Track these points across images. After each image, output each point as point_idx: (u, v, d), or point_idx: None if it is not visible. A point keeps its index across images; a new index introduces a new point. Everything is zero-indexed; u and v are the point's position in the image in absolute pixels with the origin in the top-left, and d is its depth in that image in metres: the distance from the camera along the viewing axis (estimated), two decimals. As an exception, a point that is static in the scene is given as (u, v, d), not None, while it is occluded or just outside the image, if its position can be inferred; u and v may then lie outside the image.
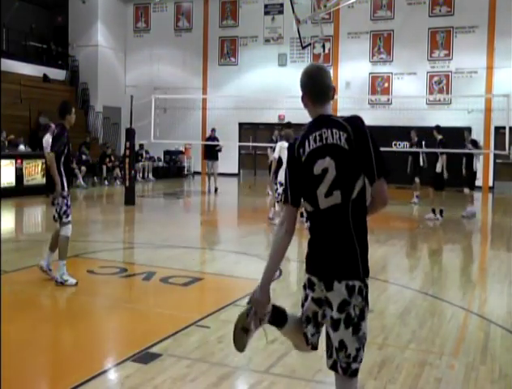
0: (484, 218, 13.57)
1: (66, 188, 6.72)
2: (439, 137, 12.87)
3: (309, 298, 2.87)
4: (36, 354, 4.61)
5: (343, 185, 2.72)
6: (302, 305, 2.96)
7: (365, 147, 2.72)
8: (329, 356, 2.83)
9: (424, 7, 22.41)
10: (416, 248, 10.45)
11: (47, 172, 16.08)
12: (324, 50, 23.17)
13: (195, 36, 25.93)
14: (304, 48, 19.72)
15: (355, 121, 2.78)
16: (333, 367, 2.82)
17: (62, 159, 6.75)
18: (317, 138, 2.77)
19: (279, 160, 9.95)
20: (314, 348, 2.96)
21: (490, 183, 21.02)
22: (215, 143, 18.75)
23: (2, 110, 17.73)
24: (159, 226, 11.53)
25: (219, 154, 18.79)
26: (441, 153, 12.77)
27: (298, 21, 16.79)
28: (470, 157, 13.46)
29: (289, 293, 6.84)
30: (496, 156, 19.78)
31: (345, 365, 2.76)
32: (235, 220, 13.92)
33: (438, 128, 13.16)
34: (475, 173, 13.49)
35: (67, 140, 6.81)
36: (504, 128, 16.26)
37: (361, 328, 2.78)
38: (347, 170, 2.71)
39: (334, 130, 2.74)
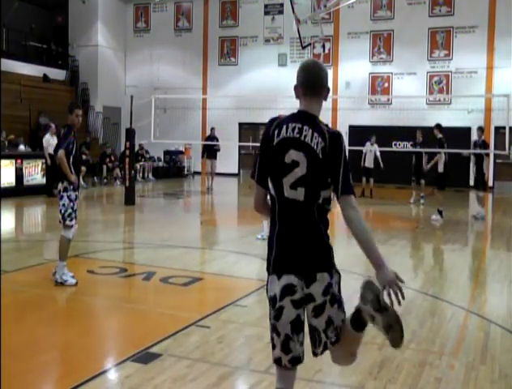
0: (485, 218, 13.55)
1: (75, 188, 6.72)
2: (439, 135, 12.82)
3: (287, 305, 2.80)
4: (36, 354, 4.60)
5: (308, 186, 2.75)
6: (275, 329, 2.89)
7: (337, 163, 2.76)
8: (318, 344, 2.88)
9: (424, 7, 22.41)
10: (416, 248, 10.45)
11: (47, 171, 16.14)
12: (324, 50, 23.16)
13: (195, 36, 25.93)
14: (304, 48, 19.71)
15: (336, 137, 2.83)
16: (323, 349, 2.90)
17: (71, 159, 6.69)
18: (297, 129, 2.80)
19: None
20: (303, 358, 2.95)
21: (490, 183, 21.01)
22: (214, 142, 19.22)
23: (2, 110, 17.73)
24: (159, 226, 11.53)
25: (218, 153, 19.30)
26: (441, 153, 12.73)
27: (298, 21, 16.79)
28: (480, 158, 13.29)
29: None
30: (496, 156, 19.77)
31: (334, 338, 2.85)
32: (235, 220, 13.92)
33: (439, 127, 13.07)
34: (484, 174, 13.36)
35: (74, 140, 6.76)
36: (504, 128, 16.24)
37: (342, 300, 2.91)
38: (315, 175, 2.75)
39: (315, 134, 2.79)
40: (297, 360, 2.95)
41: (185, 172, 25.04)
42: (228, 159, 24.09)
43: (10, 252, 8.36)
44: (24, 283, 6.87)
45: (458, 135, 20.23)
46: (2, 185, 14.46)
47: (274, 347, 2.97)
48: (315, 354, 2.96)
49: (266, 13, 24.73)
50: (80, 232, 10.84)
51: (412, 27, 22.28)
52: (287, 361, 2.94)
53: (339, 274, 2.93)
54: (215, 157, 19.10)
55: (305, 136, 2.78)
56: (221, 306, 5.90)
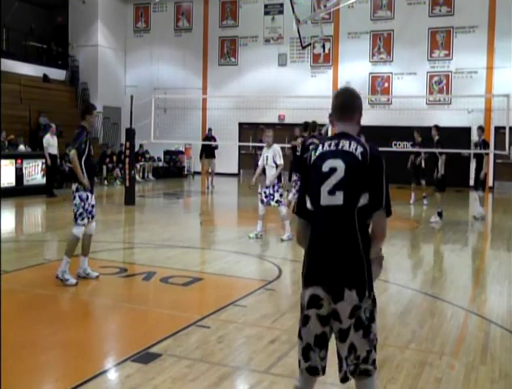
0: (485, 218, 13.54)
1: (86, 189, 6.91)
2: (436, 137, 12.80)
3: (313, 318, 2.83)
4: (36, 354, 4.61)
5: (347, 189, 2.78)
6: (300, 334, 2.92)
7: (379, 175, 2.82)
8: (339, 369, 2.85)
9: (424, 7, 22.41)
10: (416, 248, 10.45)
11: (47, 171, 16.13)
12: (324, 50, 23.18)
13: (195, 36, 25.93)
14: (304, 48, 19.72)
15: (376, 151, 2.89)
16: (343, 379, 2.86)
17: (83, 158, 6.83)
18: (333, 144, 2.91)
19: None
20: (323, 372, 2.95)
21: (490, 183, 21.02)
22: (212, 142, 19.97)
23: (2, 110, 17.73)
24: (159, 226, 11.53)
25: (216, 152, 20.08)
26: (440, 153, 12.70)
27: (298, 21, 16.78)
28: (480, 159, 13.27)
29: (289, 293, 6.85)
30: (496, 156, 19.77)
31: (353, 367, 2.78)
32: (235, 220, 13.92)
33: (437, 127, 13.07)
34: (485, 173, 13.33)
35: (88, 140, 6.86)
36: (504, 128, 16.24)
37: (372, 330, 2.81)
38: (355, 177, 2.79)
39: (352, 142, 2.87)
40: (314, 370, 2.94)
41: (185, 172, 25.04)
42: (228, 159, 24.10)
43: (10, 252, 8.36)
44: (24, 283, 6.87)
45: (458, 135, 20.25)
46: (2, 185, 14.46)
47: (298, 349, 2.97)
48: (340, 380, 2.91)
49: (266, 13, 24.72)
50: (80, 232, 10.87)
51: (412, 27, 22.28)
52: (304, 368, 2.94)
53: (375, 302, 2.87)
54: (213, 156, 19.86)
55: (342, 146, 2.87)
56: (221, 306, 5.90)
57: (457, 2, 21.90)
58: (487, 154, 13.45)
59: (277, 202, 9.97)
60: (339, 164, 2.80)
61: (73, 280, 6.67)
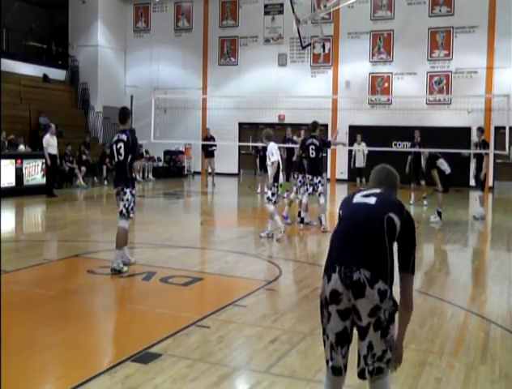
0: (485, 218, 13.54)
1: (135, 186, 7.53)
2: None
3: (334, 314, 2.86)
4: (37, 354, 4.61)
5: (379, 200, 3.04)
6: (324, 331, 2.97)
7: (411, 237, 2.99)
8: (357, 365, 2.94)
9: (424, 7, 22.40)
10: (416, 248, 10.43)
11: (47, 171, 16.13)
12: (324, 50, 23.19)
13: (195, 36, 25.92)
14: (304, 48, 19.72)
15: (410, 218, 3.04)
16: (360, 374, 2.93)
17: (129, 160, 7.36)
18: (365, 196, 3.11)
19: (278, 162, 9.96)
20: (345, 369, 3.00)
21: (490, 183, 21.02)
22: (211, 142, 20.30)
23: (2, 110, 17.73)
24: (159, 226, 11.52)
25: (216, 152, 20.44)
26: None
27: (298, 21, 16.79)
28: (480, 159, 13.27)
29: (289, 293, 6.84)
30: (496, 156, 19.77)
31: (372, 367, 2.86)
32: (235, 220, 13.91)
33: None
34: (484, 174, 13.32)
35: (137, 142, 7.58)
36: (504, 128, 16.23)
37: (390, 332, 2.87)
38: (383, 214, 2.95)
39: (382, 197, 3.09)
40: (338, 371, 2.99)
41: (185, 172, 25.03)
42: (228, 159, 24.10)
43: (10, 252, 8.36)
44: (24, 283, 6.88)
45: (458, 135, 20.27)
46: (2, 185, 14.46)
47: (324, 346, 3.02)
48: (358, 375, 2.99)
49: (266, 13, 24.72)
50: (80, 232, 10.87)
51: (412, 27, 22.28)
52: (329, 367, 3.01)
53: (396, 304, 2.92)
54: (212, 156, 20.27)
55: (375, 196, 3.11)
56: (221, 306, 5.90)
57: (457, 2, 21.89)
58: (487, 154, 13.44)
59: (267, 198, 9.99)
60: (371, 199, 3.05)
61: (126, 268, 7.28)
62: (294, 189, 12.01)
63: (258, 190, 17.92)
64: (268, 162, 9.89)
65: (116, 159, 7.36)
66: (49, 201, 15.37)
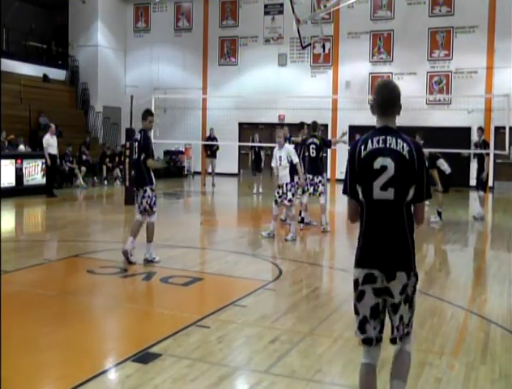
0: (485, 218, 13.54)
1: (154, 182, 8.02)
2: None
3: (369, 291, 3.20)
4: (36, 354, 4.61)
5: (397, 185, 3.12)
6: (356, 308, 3.29)
7: (423, 171, 3.17)
8: (391, 333, 3.34)
9: (424, 7, 22.40)
10: (416, 248, 10.42)
11: (47, 171, 16.13)
12: (324, 50, 23.19)
13: (195, 36, 25.92)
14: (304, 48, 19.73)
15: (418, 145, 3.21)
16: (392, 341, 3.36)
17: (142, 158, 7.84)
18: (381, 141, 3.16)
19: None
20: (378, 341, 3.35)
21: (490, 183, 21.01)
22: (214, 142, 20.41)
23: (2, 110, 17.73)
24: (159, 226, 11.46)
25: (218, 153, 20.60)
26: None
27: (298, 21, 16.79)
28: (481, 159, 13.27)
29: (289, 293, 6.84)
30: (496, 156, 19.76)
31: (402, 333, 3.30)
32: (235, 220, 13.91)
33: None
34: (487, 174, 13.32)
35: (151, 142, 8.01)
36: (504, 128, 16.24)
37: (414, 301, 3.30)
38: (404, 175, 3.12)
39: (398, 140, 3.16)
40: (370, 341, 3.32)
41: (185, 172, 25.03)
42: (228, 159, 24.09)
43: (10, 252, 8.36)
44: (24, 283, 6.88)
45: (458, 135, 20.26)
46: (2, 185, 14.46)
47: (357, 326, 3.33)
48: (390, 341, 3.41)
49: (266, 13, 24.72)
50: (80, 232, 10.87)
51: (412, 27, 22.28)
52: (361, 340, 3.34)
53: (417, 277, 3.29)
54: (214, 156, 20.39)
55: (390, 144, 3.14)
56: (221, 306, 5.90)
57: (457, 2, 21.89)
58: (487, 155, 13.44)
59: (289, 201, 9.95)
60: (389, 162, 3.10)
61: (158, 258, 7.80)
62: (292, 190, 11.96)
63: (254, 191, 17.94)
64: (284, 164, 9.85)
65: (133, 157, 8.05)
66: (49, 201, 15.37)
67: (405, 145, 3.12)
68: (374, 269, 3.16)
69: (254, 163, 18.59)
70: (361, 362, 3.41)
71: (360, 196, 3.20)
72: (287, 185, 9.91)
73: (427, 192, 3.21)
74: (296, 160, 9.87)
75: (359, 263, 3.24)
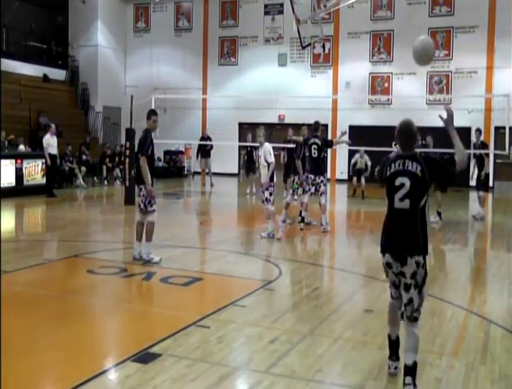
0: (485, 218, 13.54)
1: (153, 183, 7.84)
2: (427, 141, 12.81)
3: (390, 273, 4.25)
4: (36, 354, 4.61)
5: (412, 197, 4.11)
6: (387, 274, 4.36)
7: (437, 165, 4.18)
8: (400, 303, 4.25)
9: (424, 7, 22.40)
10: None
11: (47, 171, 16.13)
12: (324, 50, 23.19)
13: (195, 36, 25.92)
14: (304, 48, 19.72)
15: (427, 156, 4.27)
16: (401, 316, 4.25)
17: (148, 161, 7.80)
18: (401, 164, 4.19)
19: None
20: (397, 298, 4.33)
21: (490, 183, 21.01)
22: (207, 142, 20.27)
23: (2, 110, 17.73)
24: (159, 226, 11.45)
25: (212, 152, 20.36)
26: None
27: (298, 21, 16.79)
28: (481, 159, 13.27)
29: (289, 293, 6.84)
30: (496, 156, 19.75)
31: (409, 314, 4.15)
32: (235, 220, 13.91)
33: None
34: (487, 174, 13.32)
35: (152, 144, 7.91)
36: (504, 128, 16.24)
37: (422, 290, 4.18)
38: (417, 190, 4.11)
39: (414, 163, 4.15)
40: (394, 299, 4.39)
41: (185, 172, 25.02)
42: (228, 159, 24.09)
43: (10, 252, 8.36)
44: (24, 283, 6.88)
45: (458, 135, 20.23)
46: (2, 185, 14.46)
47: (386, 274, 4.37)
48: (401, 314, 4.28)
49: (266, 13, 24.72)
50: (80, 232, 10.88)
51: (412, 27, 22.25)
52: (390, 294, 4.40)
53: (426, 272, 4.18)
54: (208, 156, 20.16)
55: (407, 166, 4.15)
56: (221, 306, 5.90)
57: (457, 2, 21.89)
58: (487, 155, 13.44)
59: (266, 200, 9.96)
60: (406, 181, 4.12)
61: (157, 258, 7.72)
62: (290, 191, 11.97)
63: (248, 191, 17.95)
64: (263, 162, 9.85)
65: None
66: (49, 201, 15.37)
67: (418, 166, 4.11)
68: (389, 257, 4.16)
69: (247, 163, 18.56)
70: (389, 301, 4.46)
71: (387, 204, 4.23)
72: (266, 183, 9.89)
73: (450, 166, 4.15)
74: (270, 159, 9.79)
75: (381, 251, 4.27)
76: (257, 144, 10.99)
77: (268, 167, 9.77)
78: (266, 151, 9.83)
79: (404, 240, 4.12)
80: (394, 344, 4.44)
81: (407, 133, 4.29)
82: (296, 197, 12.14)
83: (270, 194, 9.93)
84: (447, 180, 4.37)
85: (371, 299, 6.53)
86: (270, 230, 10.07)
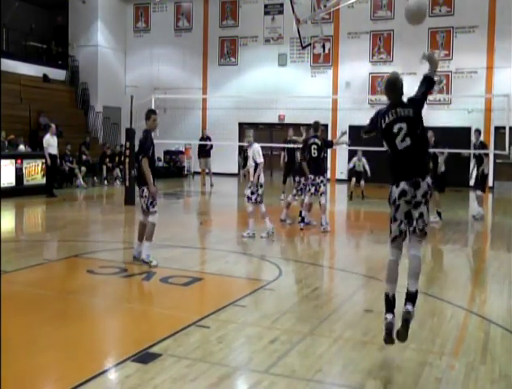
0: (485, 218, 13.53)
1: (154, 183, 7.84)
2: (433, 138, 12.79)
3: (402, 203, 4.63)
4: (36, 354, 4.61)
5: (411, 135, 4.67)
6: (394, 218, 4.69)
7: (421, 97, 4.82)
8: (410, 225, 4.66)
9: (424, 7, 22.37)
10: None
11: (47, 171, 16.13)
12: (324, 50, 23.20)
13: (195, 36, 25.93)
14: (304, 48, 19.71)
15: (412, 100, 4.81)
16: (413, 230, 4.66)
17: (140, 158, 7.82)
18: (394, 113, 4.74)
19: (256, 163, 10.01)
20: (404, 235, 4.72)
21: (490, 183, 21.01)
22: (207, 142, 20.27)
23: (2, 110, 17.73)
24: (159, 226, 11.46)
25: (212, 152, 20.36)
26: (441, 153, 12.65)
27: (298, 21, 16.78)
28: (481, 159, 13.29)
29: (289, 293, 6.84)
30: (496, 156, 19.76)
31: (421, 226, 4.65)
32: (234, 220, 13.91)
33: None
34: (486, 175, 13.33)
35: (152, 144, 7.94)
36: (504, 128, 16.24)
37: (428, 206, 4.75)
38: (414, 126, 4.68)
39: (404, 109, 4.72)
40: (401, 234, 4.71)
41: (185, 172, 25.03)
42: (228, 159, 24.10)
43: (10, 252, 8.35)
44: (24, 283, 6.88)
45: (458, 135, 20.26)
46: (2, 185, 14.46)
47: (391, 231, 4.74)
48: (412, 232, 4.69)
49: (266, 13, 24.73)
50: (80, 232, 10.88)
51: (412, 27, 22.20)
52: (396, 234, 4.71)
53: (431, 190, 4.77)
54: (208, 155, 20.14)
55: (400, 113, 4.71)
56: (221, 306, 5.90)
57: (457, 2, 21.90)
58: (486, 156, 13.44)
59: (248, 198, 10.03)
60: (403, 125, 4.67)
61: (155, 262, 7.60)
62: (294, 191, 11.97)
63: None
64: (251, 162, 9.92)
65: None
66: (49, 201, 15.38)
67: (409, 109, 4.69)
68: (405, 184, 4.59)
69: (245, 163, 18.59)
70: (389, 259, 4.79)
71: (390, 151, 4.76)
72: (252, 183, 9.97)
73: (426, 87, 4.85)
74: (259, 160, 9.87)
75: (395, 183, 4.66)
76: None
77: (256, 167, 9.85)
78: (255, 152, 9.90)
79: (415, 167, 4.66)
80: (391, 303, 4.71)
81: (396, 84, 4.89)
82: (296, 197, 12.13)
83: (253, 194, 10.01)
84: (431, 88, 4.91)
85: (371, 299, 6.53)
86: (270, 228, 10.10)
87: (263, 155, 10.18)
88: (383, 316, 4.71)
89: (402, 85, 4.90)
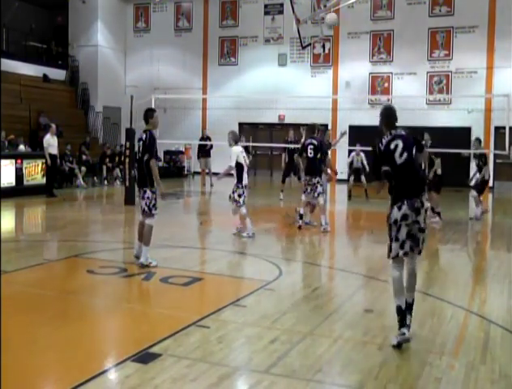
0: (485, 218, 13.53)
1: (154, 185, 7.65)
2: (429, 141, 12.82)
3: (403, 226, 4.90)
4: (36, 354, 4.61)
5: (408, 151, 4.97)
6: (396, 238, 4.95)
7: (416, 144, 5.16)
8: (415, 247, 4.99)
9: (424, 7, 22.41)
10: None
11: (47, 171, 16.13)
12: (324, 50, 23.19)
13: (195, 36, 25.93)
14: (304, 48, 19.70)
15: (415, 138, 5.19)
16: (419, 252, 5.04)
17: (145, 159, 7.58)
18: (393, 145, 5.03)
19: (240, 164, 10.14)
20: (408, 254, 5.00)
21: (490, 183, 21.01)
22: (207, 142, 20.30)
23: (2, 110, 17.73)
24: (159, 226, 11.45)
25: (212, 152, 20.26)
26: (436, 155, 12.64)
27: (298, 21, 16.77)
28: (480, 168, 13.29)
29: (289, 293, 6.84)
30: (496, 156, 19.77)
31: (422, 248, 5.04)
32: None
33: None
34: (486, 180, 13.35)
35: (155, 143, 7.71)
36: (504, 128, 16.25)
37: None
38: (409, 145, 5.01)
39: (406, 142, 5.04)
40: (407, 253, 4.99)
41: (185, 172, 25.03)
42: (228, 159, 24.05)
43: (10, 252, 8.35)
44: (24, 283, 6.88)
45: (458, 135, 20.26)
46: (2, 185, 14.46)
47: (390, 249, 5.01)
48: (416, 252, 5.05)
49: (266, 13, 24.73)
50: (80, 232, 10.88)
51: (412, 27, 22.28)
52: (402, 254, 4.97)
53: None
54: (208, 155, 20.12)
55: (396, 145, 5.00)
56: (221, 306, 5.90)
57: (457, 2, 21.90)
58: (486, 164, 13.43)
59: (234, 200, 10.14)
60: (399, 142, 4.99)
61: (154, 263, 7.56)
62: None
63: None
64: (232, 164, 10.09)
65: (137, 156, 7.78)
66: (48, 201, 15.37)
67: (409, 142, 5.03)
68: (407, 209, 4.86)
69: None
70: (393, 276, 5.03)
71: (388, 168, 4.98)
72: (234, 186, 10.11)
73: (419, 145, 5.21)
74: (231, 163, 10.13)
75: (396, 203, 4.92)
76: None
77: (231, 168, 10.05)
78: (233, 154, 10.10)
79: (415, 183, 4.98)
80: (404, 315, 4.93)
81: (393, 114, 5.21)
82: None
83: (240, 196, 10.09)
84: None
85: (371, 299, 6.53)
86: (240, 229, 10.25)
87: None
88: (399, 330, 4.88)
89: (396, 114, 5.23)
